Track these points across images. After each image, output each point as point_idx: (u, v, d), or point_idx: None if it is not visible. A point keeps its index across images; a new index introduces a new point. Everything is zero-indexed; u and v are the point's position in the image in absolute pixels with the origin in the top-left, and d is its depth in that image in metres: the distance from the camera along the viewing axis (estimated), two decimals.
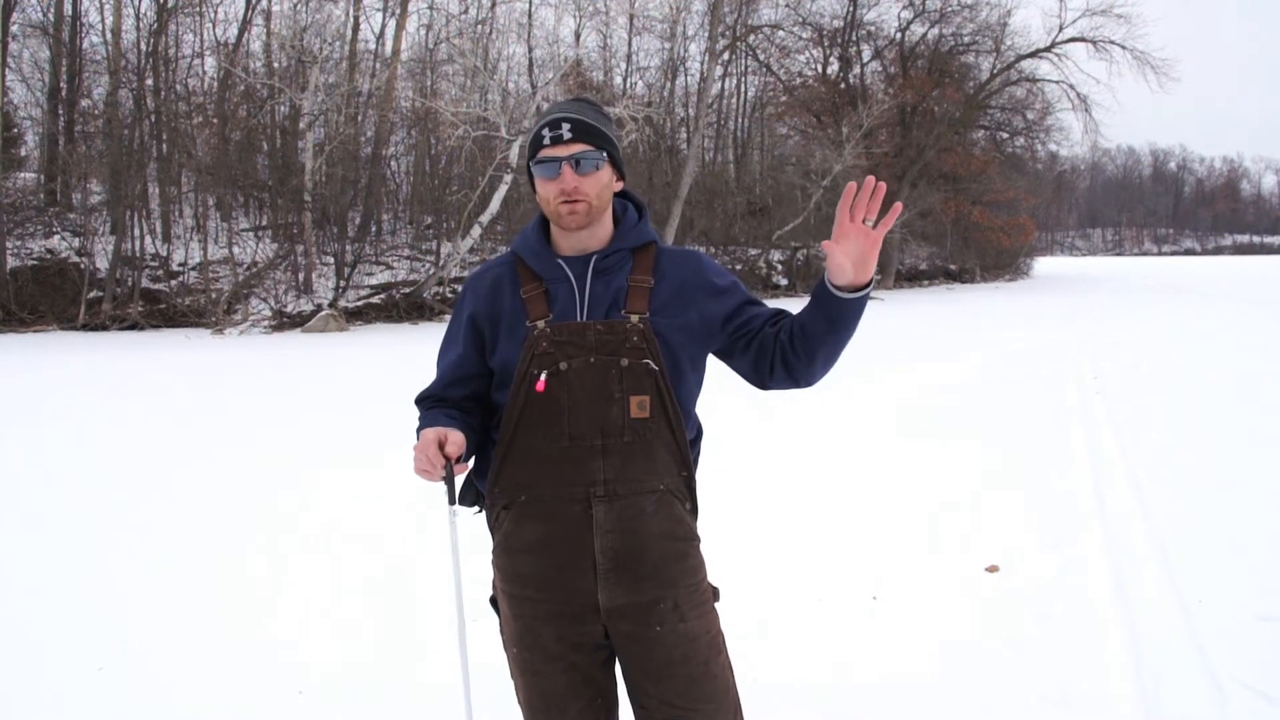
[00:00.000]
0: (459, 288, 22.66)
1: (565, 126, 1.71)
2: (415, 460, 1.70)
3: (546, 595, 1.76)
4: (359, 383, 10.75)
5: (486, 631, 3.16)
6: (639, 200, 1.91)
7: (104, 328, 17.68)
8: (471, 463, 1.83)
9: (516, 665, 1.85)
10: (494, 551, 1.84)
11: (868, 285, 1.67)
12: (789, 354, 1.76)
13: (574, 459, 1.72)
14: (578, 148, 1.71)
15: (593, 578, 1.73)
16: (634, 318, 1.73)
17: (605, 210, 1.78)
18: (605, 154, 1.74)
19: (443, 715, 2.96)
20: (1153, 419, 7.75)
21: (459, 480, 1.78)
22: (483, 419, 1.87)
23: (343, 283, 19.68)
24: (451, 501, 1.75)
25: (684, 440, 1.77)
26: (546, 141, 1.72)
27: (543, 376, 1.71)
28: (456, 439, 1.72)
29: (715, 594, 1.86)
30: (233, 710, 3.00)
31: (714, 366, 1.93)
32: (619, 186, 1.83)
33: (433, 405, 1.87)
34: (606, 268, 1.78)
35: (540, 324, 1.74)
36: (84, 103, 21.22)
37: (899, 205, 1.61)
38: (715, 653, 1.80)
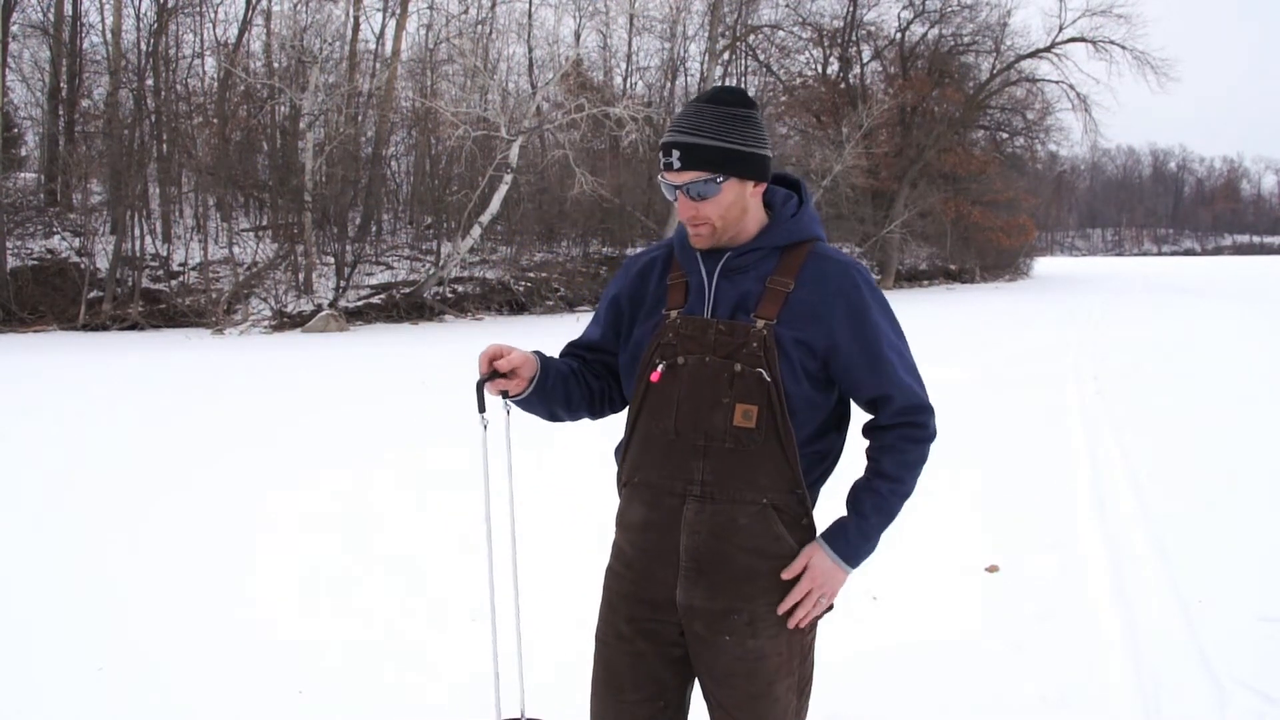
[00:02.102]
0: (459, 288, 22.64)
1: (675, 154, 1.65)
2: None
3: (633, 575, 1.77)
4: (360, 383, 10.76)
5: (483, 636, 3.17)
6: (805, 193, 1.80)
7: (104, 328, 17.68)
8: (523, 386, 1.77)
9: (596, 635, 1.86)
10: (615, 522, 1.87)
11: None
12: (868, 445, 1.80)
13: (678, 453, 1.71)
14: (688, 176, 1.66)
15: (675, 572, 1.72)
16: (759, 323, 1.67)
17: (740, 220, 1.71)
18: (723, 177, 1.65)
19: (442, 715, 2.96)
20: (1153, 419, 7.75)
21: (501, 399, 1.79)
22: (603, 381, 1.89)
23: (343, 283, 19.68)
24: (480, 410, 1.73)
25: (795, 456, 1.69)
26: (661, 166, 1.69)
27: (660, 367, 1.72)
28: (514, 358, 1.73)
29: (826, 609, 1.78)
30: (233, 710, 3.00)
31: None
32: (760, 189, 1.73)
33: (563, 353, 1.93)
34: (738, 266, 1.72)
35: (673, 314, 1.74)
36: (84, 103, 21.20)
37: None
38: (785, 674, 1.74)
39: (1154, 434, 7.12)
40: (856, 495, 1.76)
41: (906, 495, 1.76)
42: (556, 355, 1.91)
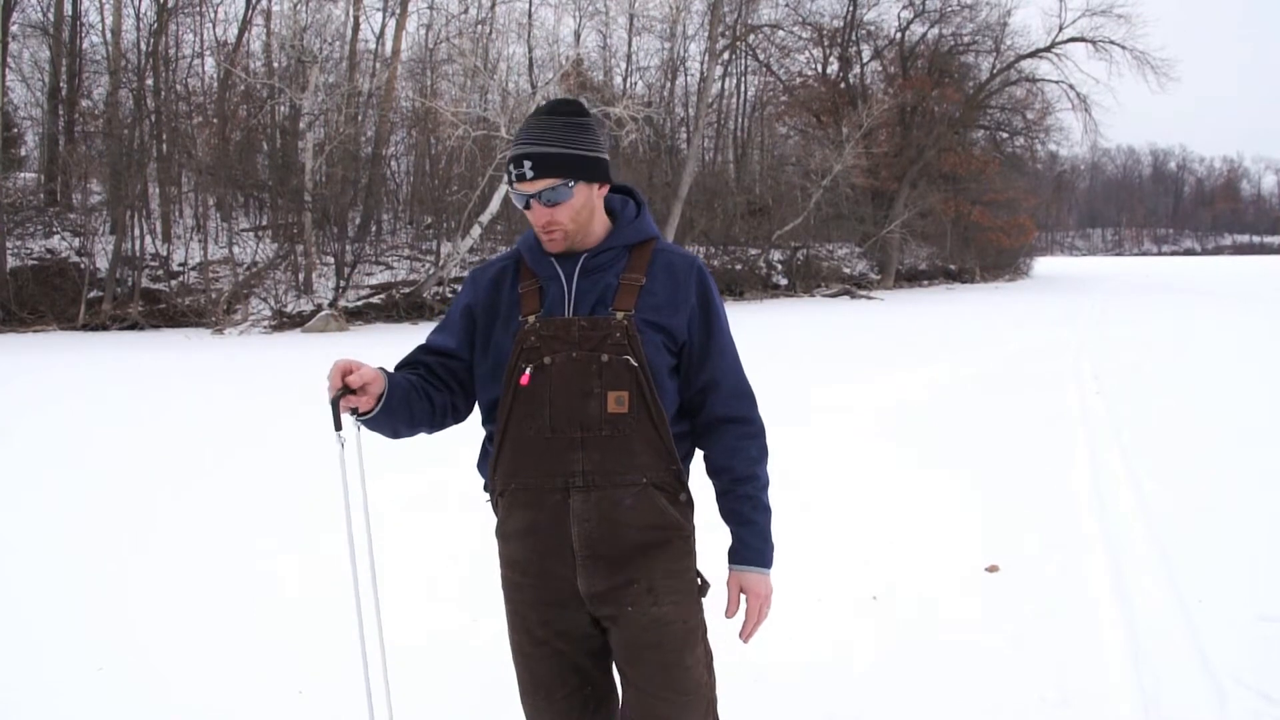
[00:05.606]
0: (459, 287, 22.75)
1: (527, 165, 1.73)
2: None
3: (532, 580, 1.82)
4: None
5: (484, 632, 3.18)
6: (639, 196, 1.92)
7: (104, 328, 17.68)
8: (371, 404, 1.76)
9: (511, 647, 1.92)
10: (495, 536, 1.91)
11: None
12: (704, 451, 1.91)
13: (555, 450, 1.76)
14: (542, 184, 1.74)
15: (572, 565, 1.78)
16: (619, 315, 1.77)
17: (589, 223, 1.81)
18: (573, 181, 1.75)
19: (441, 715, 2.96)
20: (1153, 419, 7.75)
21: (351, 417, 1.79)
22: (444, 394, 1.89)
23: (343, 283, 19.67)
24: (337, 427, 1.76)
25: (668, 435, 1.78)
26: (513, 178, 1.76)
27: (528, 370, 1.77)
28: (365, 374, 1.72)
29: (703, 589, 1.88)
30: (233, 710, 3.01)
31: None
32: (605, 191, 1.85)
33: (402, 366, 1.92)
34: (596, 266, 1.82)
35: (531, 319, 1.80)
36: (84, 103, 21.20)
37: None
38: (691, 645, 1.82)
39: (1154, 434, 7.12)
40: (731, 508, 1.89)
41: (767, 485, 1.90)
42: (400, 363, 1.94)
